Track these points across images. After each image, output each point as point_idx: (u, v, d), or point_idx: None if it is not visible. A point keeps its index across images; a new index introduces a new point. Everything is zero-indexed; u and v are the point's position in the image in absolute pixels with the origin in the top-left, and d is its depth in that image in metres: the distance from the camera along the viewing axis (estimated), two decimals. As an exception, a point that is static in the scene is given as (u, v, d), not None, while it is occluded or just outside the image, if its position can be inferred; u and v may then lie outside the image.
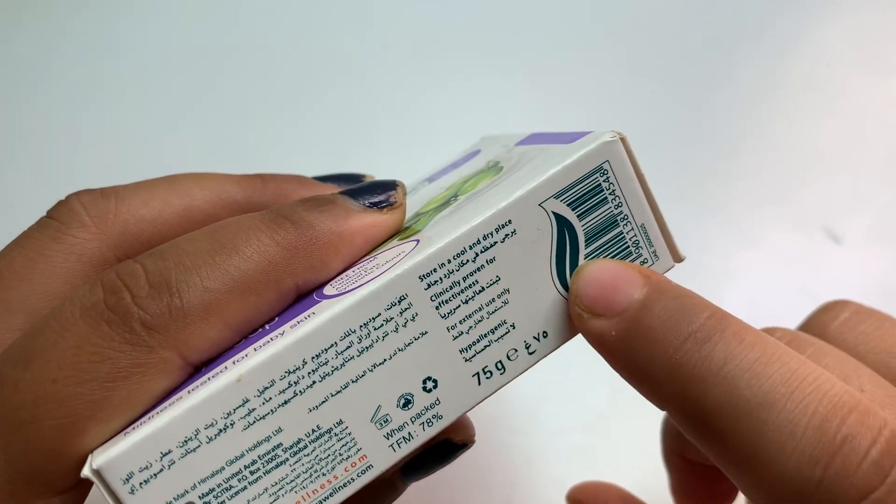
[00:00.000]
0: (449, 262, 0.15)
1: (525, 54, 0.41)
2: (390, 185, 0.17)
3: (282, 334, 0.14)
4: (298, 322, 0.15)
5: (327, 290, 0.16)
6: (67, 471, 0.14)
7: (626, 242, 0.16)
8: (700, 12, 0.41)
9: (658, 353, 0.14)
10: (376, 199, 0.17)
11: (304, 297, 0.16)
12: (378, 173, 0.22)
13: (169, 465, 0.14)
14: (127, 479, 0.13)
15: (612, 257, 0.16)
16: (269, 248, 0.15)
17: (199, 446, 0.14)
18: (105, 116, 0.40)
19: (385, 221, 0.17)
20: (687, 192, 0.37)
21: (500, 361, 0.16)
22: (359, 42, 0.41)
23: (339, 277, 0.16)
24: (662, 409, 0.15)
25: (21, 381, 0.13)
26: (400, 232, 0.17)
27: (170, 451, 0.14)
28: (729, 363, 0.14)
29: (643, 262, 0.16)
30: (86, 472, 0.13)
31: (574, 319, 0.16)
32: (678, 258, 0.17)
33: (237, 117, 0.40)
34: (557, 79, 0.40)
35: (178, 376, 0.14)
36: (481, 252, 0.15)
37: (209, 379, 0.14)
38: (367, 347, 0.15)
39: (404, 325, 0.15)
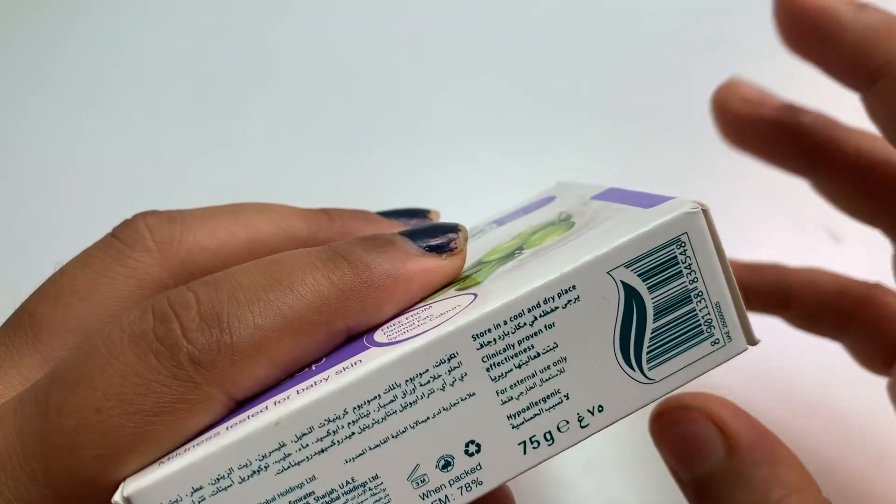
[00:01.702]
0: (505, 323, 0.14)
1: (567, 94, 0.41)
2: (452, 229, 0.17)
3: (326, 380, 0.14)
4: (344, 369, 0.14)
5: (377, 335, 0.15)
6: (103, 498, 0.14)
7: (698, 320, 0.15)
8: (700, 12, 0.41)
9: None
10: (436, 243, 0.16)
11: (354, 338, 0.16)
12: (440, 206, 0.22)
13: (199, 502, 0.13)
14: None
15: (682, 335, 0.15)
16: (323, 288, 0.15)
17: (230, 486, 0.14)
18: (109, 116, 0.42)
19: (443, 267, 0.16)
20: (687, 192, 0.36)
21: (550, 432, 0.15)
22: (424, 80, 0.42)
23: (391, 322, 0.16)
24: None
25: (65, 406, 0.13)
26: (459, 280, 0.17)
27: (201, 488, 0.13)
28: None
29: (714, 343, 0.15)
30: (116, 498, 0.13)
31: None
32: (752, 341, 0.16)
33: (289, 139, 0.41)
34: (555, 86, 0.41)
35: (221, 412, 0.14)
36: (540, 316, 0.14)
37: (248, 417, 0.14)
38: (410, 403, 0.14)
39: (452, 385, 0.14)
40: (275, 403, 0.14)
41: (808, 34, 0.21)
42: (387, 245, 0.16)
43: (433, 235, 0.17)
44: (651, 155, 0.38)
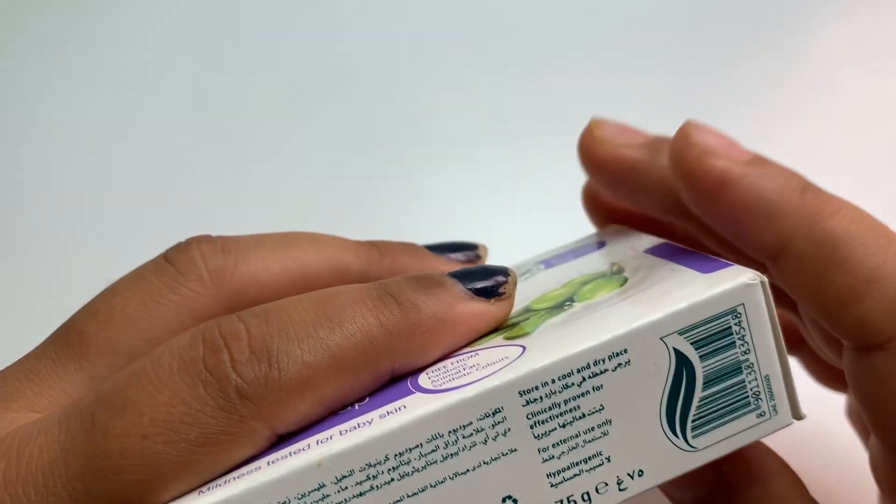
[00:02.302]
0: (553, 381, 0.14)
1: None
2: (501, 272, 0.17)
3: (369, 423, 0.14)
4: (388, 413, 0.14)
5: (422, 379, 0.15)
6: None
7: (747, 391, 0.15)
8: (700, 12, 0.42)
9: (785, 191, 0.17)
10: (485, 286, 0.16)
11: (397, 379, 0.16)
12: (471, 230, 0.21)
13: None
14: None
15: (729, 406, 0.15)
16: (371, 328, 0.15)
17: None
18: (123, 120, 0.43)
19: (491, 313, 0.16)
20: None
21: (588, 493, 0.15)
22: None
23: (435, 366, 0.16)
24: (777, 245, 0.17)
25: (111, 429, 0.13)
26: (506, 327, 0.17)
27: None
28: (845, 205, 0.17)
29: (759, 416, 0.15)
30: None
31: (685, 159, 0.18)
32: (798, 416, 0.15)
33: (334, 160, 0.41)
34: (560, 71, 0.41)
35: (263, 446, 0.14)
36: (589, 377, 0.14)
37: (290, 454, 0.14)
38: (452, 454, 0.14)
39: (494, 439, 0.14)
40: (317, 443, 0.14)
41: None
42: (436, 287, 0.16)
43: (483, 278, 0.16)
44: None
